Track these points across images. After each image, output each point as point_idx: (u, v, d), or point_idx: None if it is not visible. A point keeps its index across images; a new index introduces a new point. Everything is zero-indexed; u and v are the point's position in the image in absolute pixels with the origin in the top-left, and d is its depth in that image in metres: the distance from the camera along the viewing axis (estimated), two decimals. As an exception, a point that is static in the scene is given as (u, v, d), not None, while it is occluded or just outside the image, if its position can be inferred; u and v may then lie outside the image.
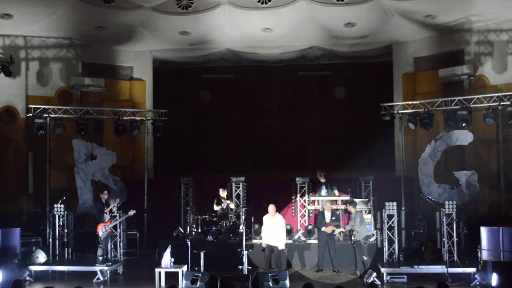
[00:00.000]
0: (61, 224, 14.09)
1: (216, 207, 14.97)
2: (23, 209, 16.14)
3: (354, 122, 19.49)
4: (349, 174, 16.29)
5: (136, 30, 16.82)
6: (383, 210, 13.49)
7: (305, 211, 15.61)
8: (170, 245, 12.25)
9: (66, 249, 14.15)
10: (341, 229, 13.65)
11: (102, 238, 13.10)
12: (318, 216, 13.79)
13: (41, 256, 13.58)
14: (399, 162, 16.86)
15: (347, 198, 14.77)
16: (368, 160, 16.85)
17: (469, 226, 13.95)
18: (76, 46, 17.26)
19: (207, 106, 20.52)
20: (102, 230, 13.10)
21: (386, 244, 13.27)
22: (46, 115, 15.59)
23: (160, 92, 19.08)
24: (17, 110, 16.41)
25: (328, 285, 11.93)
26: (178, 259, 12.15)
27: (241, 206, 15.33)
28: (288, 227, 15.16)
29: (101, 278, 12.49)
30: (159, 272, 11.77)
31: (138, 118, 16.82)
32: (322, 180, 15.18)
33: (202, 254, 12.36)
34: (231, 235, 14.50)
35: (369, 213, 14.76)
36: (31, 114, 15.61)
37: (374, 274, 11.95)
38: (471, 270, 12.15)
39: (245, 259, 12.28)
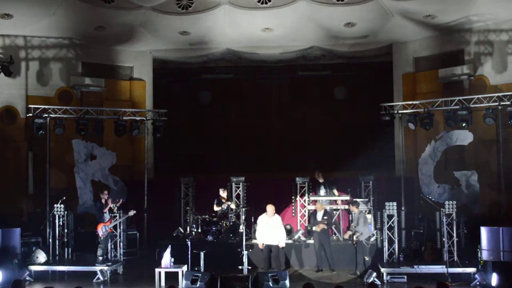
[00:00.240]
0: (61, 224, 14.10)
1: (216, 208, 14.98)
2: (23, 209, 16.15)
3: (354, 122, 19.47)
4: (349, 174, 16.28)
5: (136, 30, 16.82)
6: (383, 210, 13.50)
7: (305, 211, 15.61)
8: (170, 245, 12.24)
9: (66, 249, 14.16)
10: (324, 226, 13.62)
11: (102, 238, 13.10)
12: (311, 217, 13.85)
13: (41, 256, 13.58)
14: (399, 162, 16.86)
15: (347, 198, 14.78)
16: (368, 160, 16.83)
17: (469, 226, 13.95)
18: (76, 46, 17.26)
19: (207, 106, 20.52)
20: (102, 230, 13.10)
21: (386, 244, 13.28)
22: (46, 115, 15.59)
23: (160, 92, 19.08)
24: (17, 110, 16.41)
25: (328, 285, 11.92)
26: (178, 259, 12.15)
27: (241, 206, 15.33)
28: (288, 227, 15.18)
29: (101, 278, 12.49)
30: (159, 272, 11.76)
31: (138, 118, 16.81)
32: (321, 180, 15.21)
33: (202, 254, 12.35)
34: (231, 235, 14.50)
35: (369, 213, 14.75)
36: (31, 114, 15.61)
37: (374, 274, 11.95)
38: (471, 270, 12.15)
39: (245, 259, 12.29)
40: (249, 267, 12.55)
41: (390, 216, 13.34)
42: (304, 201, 15.62)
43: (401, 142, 16.41)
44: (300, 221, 15.59)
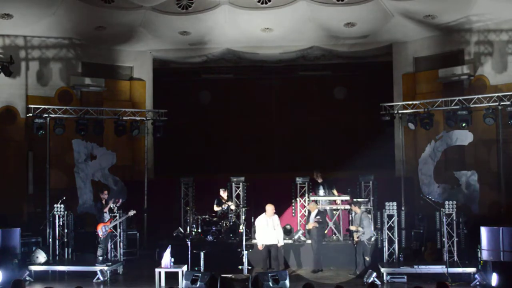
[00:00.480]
0: (61, 224, 14.10)
1: (216, 208, 14.98)
2: (23, 209, 16.14)
3: (354, 122, 19.48)
4: (349, 174, 16.28)
5: (136, 30, 16.82)
6: (383, 210, 13.49)
7: (305, 211, 15.59)
8: (170, 245, 12.24)
9: (66, 249, 14.16)
10: (316, 224, 13.63)
11: (102, 238, 13.10)
12: (307, 218, 13.93)
13: (41, 256, 13.59)
14: (399, 162, 16.86)
15: (347, 198, 14.78)
16: (368, 160, 16.83)
17: (469, 226, 13.94)
18: (76, 46, 17.27)
19: (207, 106, 20.51)
20: (102, 230, 13.10)
21: (386, 244, 13.27)
22: (46, 115, 15.59)
23: (160, 92, 19.07)
24: (17, 110, 16.41)
25: (328, 285, 11.91)
26: (178, 259, 12.14)
27: (241, 206, 15.33)
28: (288, 227, 15.18)
29: (101, 278, 12.49)
30: (159, 272, 11.76)
31: (138, 118, 16.82)
32: (320, 180, 15.22)
33: (202, 254, 12.36)
34: (231, 235, 14.50)
35: (369, 213, 14.75)
36: (31, 114, 15.62)
37: (374, 274, 11.94)
38: (471, 270, 12.15)
39: (245, 259, 12.29)
40: (249, 267, 12.55)
41: (390, 216, 13.34)
42: (304, 201, 15.61)
43: (401, 142, 16.41)
44: (300, 221, 15.59)
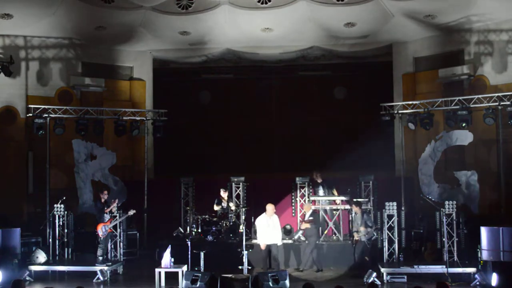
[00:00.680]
0: (61, 224, 14.10)
1: (216, 207, 14.98)
2: (23, 209, 16.15)
3: (354, 122, 19.47)
4: (349, 174, 16.28)
5: (136, 30, 16.82)
6: (383, 210, 13.49)
7: (305, 211, 15.58)
8: (170, 245, 12.24)
9: (66, 249, 14.15)
10: (308, 225, 13.66)
11: (102, 238, 13.11)
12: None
13: (41, 256, 13.58)
14: (399, 162, 16.86)
15: (346, 198, 14.77)
16: (368, 160, 16.84)
17: (469, 226, 13.94)
18: (76, 46, 17.27)
19: (207, 106, 20.51)
20: (102, 230, 13.10)
21: (386, 244, 13.27)
22: (46, 115, 15.59)
23: (160, 92, 19.07)
24: (17, 110, 16.41)
25: (328, 285, 11.91)
26: (178, 259, 12.14)
27: (241, 206, 15.33)
28: (288, 227, 15.17)
29: (101, 278, 12.49)
30: (159, 272, 11.76)
31: (138, 118, 16.82)
32: (319, 181, 15.21)
33: (202, 254, 12.36)
34: (231, 235, 14.50)
35: (369, 213, 14.76)
36: (31, 114, 15.62)
37: (374, 274, 11.95)
38: (471, 270, 12.15)
39: (245, 259, 12.29)
40: (249, 267, 12.55)
41: (390, 216, 13.33)
42: (304, 201, 15.60)
43: (401, 142, 16.40)
44: (300, 221, 15.57)
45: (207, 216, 14.68)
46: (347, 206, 14.59)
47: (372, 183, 15.36)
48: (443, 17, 15.68)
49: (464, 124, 14.81)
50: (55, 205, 14.16)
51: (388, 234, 13.27)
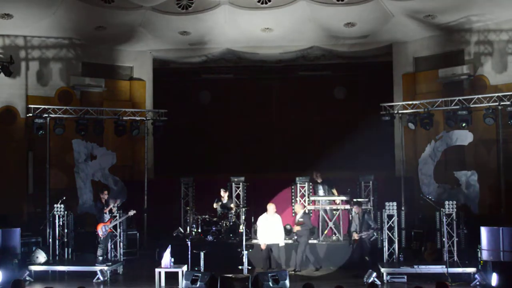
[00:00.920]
0: (61, 224, 14.09)
1: (215, 205, 14.95)
2: (23, 209, 16.15)
3: (354, 122, 19.46)
4: (349, 174, 16.28)
5: (136, 30, 16.82)
6: (383, 210, 13.48)
7: (305, 211, 15.57)
8: (170, 245, 12.23)
9: (66, 249, 14.15)
10: (298, 228, 13.67)
11: (102, 238, 13.11)
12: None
13: (41, 256, 13.58)
14: (399, 162, 16.85)
15: (346, 198, 14.76)
16: (368, 160, 16.83)
17: (469, 226, 13.95)
18: (76, 46, 17.27)
19: (207, 106, 20.51)
20: (102, 230, 13.10)
21: (386, 244, 13.26)
22: (46, 115, 15.59)
23: (160, 92, 19.08)
24: (17, 110, 16.42)
25: (328, 285, 11.91)
26: (178, 259, 12.14)
27: (241, 206, 15.33)
28: (288, 227, 15.14)
29: (101, 278, 12.49)
30: (159, 272, 11.75)
31: (138, 118, 16.82)
32: (319, 180, 15.22)
33: (202, 254, 12.35)
34: (231, 235, 14.48)
35: (369, 213, 14.76)
36: (31, 114, 15.62)
37: (374, 274, 11.95)
38: (471, 270, 12.14)
39: (245, 259, 12.29)
40: (249, 267, 12.55)
41: (390, 216, 13.33)
42: (304, 201, 15.60)
43: (401, 142, 16.40)
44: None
45: (207, 216, 14.67)
46: (347, 206, 14.59)
47: (372, 183, 15.36)
48: (443, 17, 15.68)
49: (464, 124, 14.81)
50: (55, 205, 14.15)
51: (388, 234, 13.27)
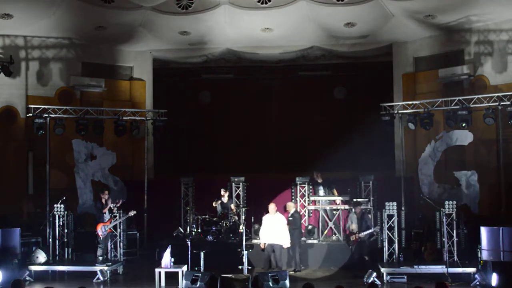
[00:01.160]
0: (61, 224, 14.09)
1: (214, 204, 14.93)
2: (23, 209, 16.15)
3: (354, 122, 19.46)
4: (349, 174, 16.27)
5: (136, 30, 16.82)
6: (383, 210, 13.49)
7: (305, 211, 15.61)
8: (170, 245, 12.24)
9: (66, 249, 14.16)
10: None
11: (101, 238, 13.12)
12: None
13: (41, 256, 13.58)
14: (399, 162, 16.85)
15: (346, 198, 14.78)
16: (368, 160, 16.83)
17: (469, 226, 13.95)
18: (76, 46, 17.27)
19: (207, 106, 20.51)
20: (101, 230, 13.11)
21: (386, 244, 13.27)
22: (46, 115, 15.59)
23: (160, 92, 19.08)
24: (17, 110, 16.42)
25: (328, 285, 11.91)
26: (178, 259, 12.15)
27: (241, 206, 15.33)
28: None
29: (101, 278, 12.49)
30: (159, 272, 11.76)
31: (138, 118, 16.82)
32: (319, 181, 15.22)
33: (202, 254, 12.36)
34: (231, 235, 14.49)
35: (369, 213, 14.77)
36: (31, 114, 15.62)
37: (374, 274, 11.95)
38: (471, 270, 12.15)
39: (245, 259, 12.29)
40: (249, 267, 12.55)
41: (390, 216, 13.32)
42: (304, 201, 15.61)
43: (401, 142, 16.40)
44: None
45: (207, 216, 14.68)
46: (347, 206, 14.60)
47: (372, 183, 15.36)
48: (443, 17, 15.68)
49: (464, 124, 14.81)
50: (55, 205, 14.15)
51: (388, 234, 13.27)
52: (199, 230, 14.70)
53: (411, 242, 14.64)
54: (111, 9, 15.44)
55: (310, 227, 15.11)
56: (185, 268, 11.90)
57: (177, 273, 11.75)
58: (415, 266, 12.35)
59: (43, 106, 15.71)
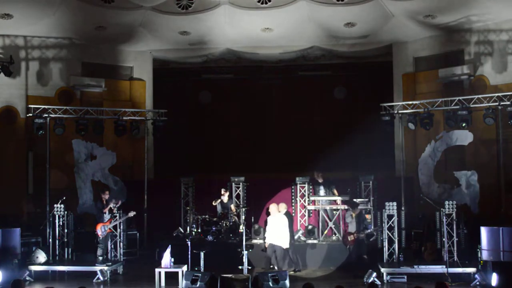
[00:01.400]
0: (61, 224, 14.08)
1: (214, 203, 14.92)
2: (23, 209, 16.15)
3: (354, 122, 19.46)
4: (349, 174, 16.27)
5: (136, 30, 16.82)
6: (383, 210, 13.48)
7: (305, 211, 15.61)
8: (170, 245, 12.24)
9: (66, 249, 14.14)
10: None
11: (101, 238, 13.11)
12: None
13: (41, 256, 13.58)
14: (399, 162, 16.85)
15: (346, 198, 14.78)
16: (368, 160, 16.83)
17: (469, 226, 13.94)
18: (76, 46, 17.27)
19: (207, 106, 20.52)
20: (101, 230, 13.11)
21: (386, 244, 13.26)
22: (46, 115, 15.58)
23: (160, 92, 19.08)
24: (17, 110, 16.42)
25: (328, 285, 11.91)
26: (178, 259, 12.14)
27: (241, 206, 15.33)
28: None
29: (101, 278, 12.49)
30: (159, 272, 11.76)
31: (138, 118, 16.82)
32: (320, 180, 15.21)
33: (202, 254, 12.36)
34: (231, 235, 14.49)
35: (368, 213, 14.77)
36: (31, 114, 15.61)
37: (374, 274, 11.94)
38: (471, 270, 12.14)
39: (245, 259, 12.29)
40: (249, 267, 12.55)
41: (390, 216, 13.31)
42: (304, 201, 15.61)
43: (401, 142, 16.40)
44: (300, 221, 15.59)
45: (207, 216, 14.67)
46: (347, 206, 14.59)
47: (372, 183, 15.36)
48: (443, 17, 15.68)
49: (464, 124, 14.81)
50: (55, 205, 14.14)
51: (388, 234, 13.26)
52: (199, 230, 14.69)
53: (411, 242, 14.63)
54: (111, 9, 15.45)
55: (310, 227, 15.10)
56: (185, 268, 11.90)
57: (177, 273, 11.74)
58: (415, 266, 12.34)
59: (43, 106, 15.70)
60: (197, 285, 10.71)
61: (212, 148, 19.76)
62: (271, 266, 13.13)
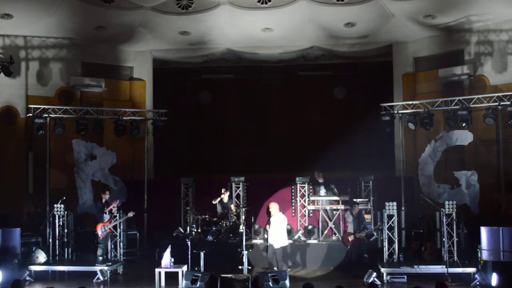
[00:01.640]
0: (61, 224, 14.10)
1: (214, 201, 14.92)
2: (23, 209, 16.15)
3: (354, 122, 19.45)
4: (349, 174, 16.26)
5: (136, 30, 16.82)
6: (383, 210, 13.49)
7: (305, 211, 15.61)
8: (170, 245, 12.24)
9: (66, 249, 14.16)
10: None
11: (101, 238, 13.12)
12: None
13: (41, 256, 13.58)
14: (399, 162, 16.85)
15: (346, 198, 14.78)
16: (368, 160, 16.83)
17: (469, 226, 13.95)
18: (76, 46, 17.27)
19: (207, 106, 20.52)
20: (101, 230, 13.12)
21: (386, 244, 13.27)
22: (46, 115, 15.59)
23: (160, 92, 19.08)
24: (17, 110, 16.43)
25: (328, 285, 11.91)
26: (178, 259, 12.15)
27: (241, 206, 15.33)
28: (288, 227, 15.15)
29: (101, 278, 12.49)
30: (159, 272, 11.77)
31: (138, 118, 16.82)
32: (321, 180, 15.21)
33: (202, 254, 12.36)
34: (231, 235, 14.49)
35: (369, 213, 14.77)
36: (31, 114, 15.62)
37: (374, 274, 11.95)
38: (471, 270, 12.15)
39: (245, 259, 12.28)
40: (249, 267, 12.55)
41: (390, 216, 13.33)
42: (304, 201, 15.61)
43: (401, 142, 16.39)
44: (300, 221, 15.59)
45: (207, 216, 14.67)
46: (347, 206, 14.59)
47: (372, 183, 15.36)
48: (443, 17, 15.68)
49: (464, 124, 14.81)
50: (55, 205, 14.15)
51: (388, 234, 13.27)
52: (199, 230, 14.69)
53: (411, 242, 14.63)
54: (111, 9, 15.45)
55: (310, 227, 15.10)
56: (185, 268, 11.90)
57: (177, 273, 11.75)
58: (415, 266, 12.35)
59: (43, 106, 15.71)
60: (197, 285, 10.72)
61: (212, 148, 19.75)
62: (272, 267, 13.13)
